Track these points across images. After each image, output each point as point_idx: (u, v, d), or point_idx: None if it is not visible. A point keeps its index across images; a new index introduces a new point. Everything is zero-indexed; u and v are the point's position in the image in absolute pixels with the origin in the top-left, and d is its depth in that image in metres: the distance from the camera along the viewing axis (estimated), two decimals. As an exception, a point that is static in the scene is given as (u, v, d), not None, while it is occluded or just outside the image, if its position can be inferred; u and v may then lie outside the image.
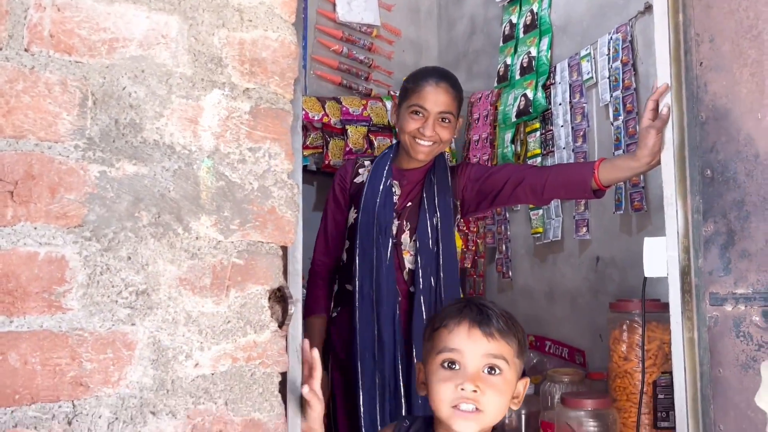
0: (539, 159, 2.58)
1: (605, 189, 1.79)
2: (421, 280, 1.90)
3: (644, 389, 1.88)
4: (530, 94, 2.57)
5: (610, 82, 2.27)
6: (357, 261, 1.93)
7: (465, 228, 2.96)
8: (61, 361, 0.85)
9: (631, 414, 1.92)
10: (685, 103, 1.58)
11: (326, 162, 2.86)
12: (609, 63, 2.27)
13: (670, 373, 1.83)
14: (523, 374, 1.26)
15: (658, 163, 1.68)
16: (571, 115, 2.45)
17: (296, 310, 1.05)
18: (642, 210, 2.15)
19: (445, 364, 1.16)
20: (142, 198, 0.92)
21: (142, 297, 0.91)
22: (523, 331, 1.27)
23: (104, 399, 0.87)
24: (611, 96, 2.26)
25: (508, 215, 2.85)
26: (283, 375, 1.03)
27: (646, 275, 1.71)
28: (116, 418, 0.88)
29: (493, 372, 1.16)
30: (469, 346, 1.16)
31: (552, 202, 2.57)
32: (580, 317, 2.46)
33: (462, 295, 2.29)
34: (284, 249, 1.05)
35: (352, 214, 2.03)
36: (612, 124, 2.26)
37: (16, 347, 0.82)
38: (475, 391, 1.12)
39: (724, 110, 1.50)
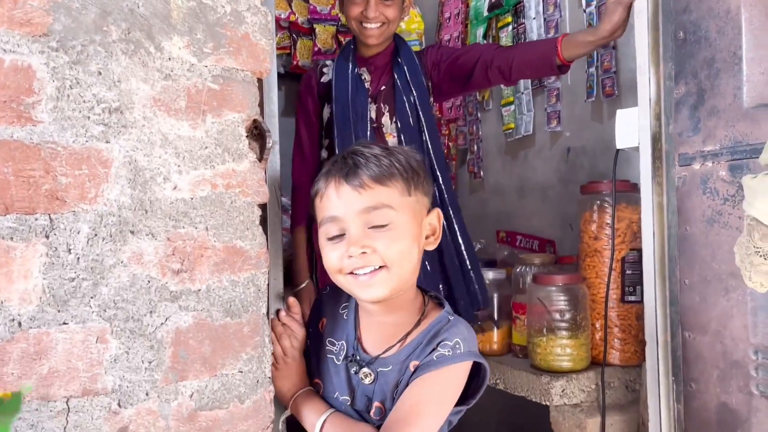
0: (511, 53, 2.56)
1: (569, 64, 1.79)
2: None
3: (613, 266, 1.93)
4: (501, -14, 2.53)
5: (582, -32, 2.24)
6: (338, 153, 1.92)
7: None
8: (35, 173, 0.83)
9: (599, 289, 1.98)
10: (658, -32, 1.57)
11: (294, 63, 2.79)
12: (582, -51, 2.23)
13: (638, 250, 1.89)
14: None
15: (620, 35, 1.69)
16: (543, 5, 2.42)
17: (274, 145, 1.04)
18: (613, 96, 2.17)
19: (330, 233, 1.02)
20: (110, 11, 0.88)
21: (115, 114, 0.88)
22: (413, 159, 1.07)
23: (82, 215, 0.86)
24: (582, -17, 2.24)
25: (480, 115, 2.84)
26: (264, 209, 1.03)
27: (618, 147, 1.73)
28: (95, 235, 0.87)
29: (378, 226, 1.00)
30: (342, 207, 1.01)
31: (524, 97, 2.57)
32: (551, 209, 2.50)
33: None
34: (260, 82, 1.03)
35: (326, 112, 2.00)
36: (584, 11, 2.25)
37: (-13, 154, 0.79)
38: (364, 252, 0.99)
39: (698, -29, 1.50)
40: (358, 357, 1.03)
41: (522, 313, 2.06)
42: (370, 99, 1.95)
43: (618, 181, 1.95)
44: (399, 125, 1.91)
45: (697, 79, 1.49)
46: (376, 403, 1.01)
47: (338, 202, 1.01)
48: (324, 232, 1.03)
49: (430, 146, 1.90)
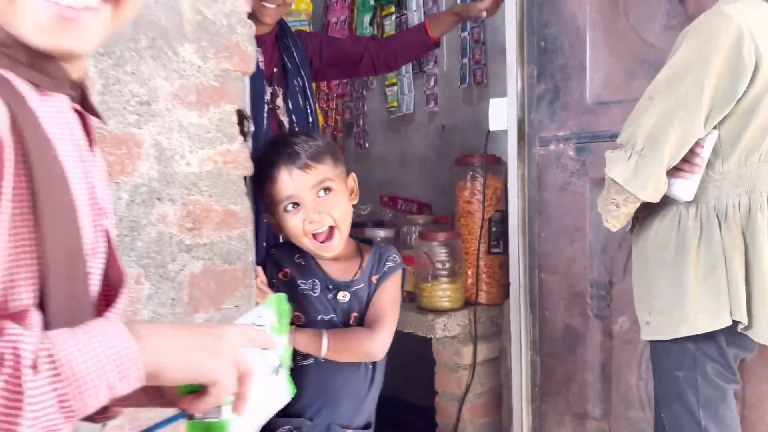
0: (394, 40, 2.92)
1: (438, 40, 2.20)
2: None
3: (482, 224, 2.38)
4: (388, -21, 2.87)
5: (457, -28, 2.63)
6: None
7: (324, 105, 3.26)
8: (89, 152, 1.05)
9: (472, 244, 2.42)
10: (525, -10, 1.99)
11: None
12: (457, -45, 2.62)
13: (501, 211, 2.36)
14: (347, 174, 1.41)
15: (488, 16, 2.10)
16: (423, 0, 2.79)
17: (252, 128, 1.32)
18: (483, 84, 2.60)
19: (287, 208, 1.32)
20: (140, 24, 1.11)
21: (145, 106, 1.12)
22: (328, 139, 1.45)
23: (122, 185, 1.10)
24: (458, -16, 2.63)
25: (365, 93, 3.18)
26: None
27: (490, 129, 2.16)
28: (132, 201, 1.11)
29: (325, 193, 1.32)
30: (294, 186, 1.30)
31: (405, 80, 2.95)
32: (427, 177, 2.92)
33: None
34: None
35: None
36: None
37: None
38: (321, 216, 1.31)
39: (555, -5, 1.93)
40: (331, 286, 1.37)
41: (410, 264, 2.46)
42: (265, 81, 2.17)
43: (487, 156, 2.40)
44: (291, 107, 2.12)
45: (554, 80, 1.94)
46: (353, 314, 1.37)
47: (291, 182, 1.31)
48: (282, 207, 1.33)
49: (316, 127, 2.19)
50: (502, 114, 2.11)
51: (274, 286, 1.41)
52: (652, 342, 1.33)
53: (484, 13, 2.08)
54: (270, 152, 1.34)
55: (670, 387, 1.29)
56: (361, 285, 1.39)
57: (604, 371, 1.88)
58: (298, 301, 1.40)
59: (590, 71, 1.87)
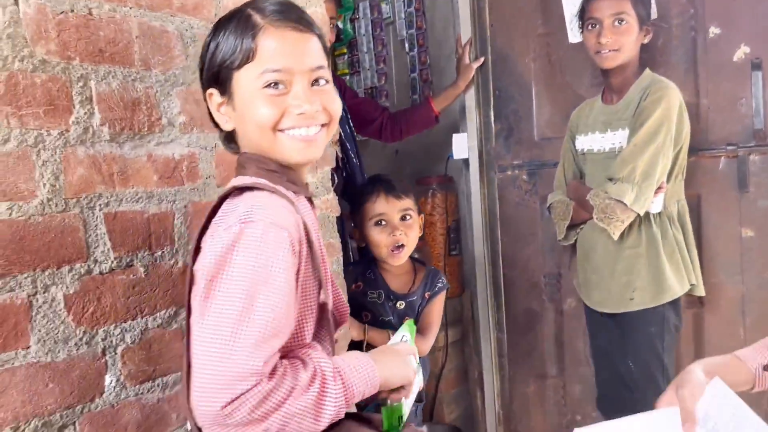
0: (348, 77, 3.39)
1: (439, 114, 2.65)
2: None
3: (443, 232, 2.94)
4: (341, 25, 3.33)
5: (405, 22, 3.16)
6: None
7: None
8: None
9: (435, 248, 2.97)
10: (480, 50, 2.56)
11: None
12: (404, 7, 3.15)
13: (456, 220, 2.93)
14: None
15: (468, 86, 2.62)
16: (374, 44, 3.29)
17: (336, 180, 1.77)
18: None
19: (377, 223, 1.88)
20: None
21: (284, 174, 1.54)
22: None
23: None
24: (407, 33, 3.16)
25: (317, 120, 3.61)
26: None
27: (455, 158, 2.72)
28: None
29: (405, 219, 1.89)
30: (389, 208, 1.87)
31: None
32: (382, 193, 3.43)
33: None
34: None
35: None
36: (408, 54, 3.18)
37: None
38: (401, 234, 1.87)
39: (505, 55, 2.52)
40: (392, 296, 1.86)
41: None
42: None
43: (440, 176, 2.96)
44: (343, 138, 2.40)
45: (508, 120, 2.53)
46: (406, 318, 1.86)
47: (386, 204, 1.90)
48: (374, 221, 1.90)
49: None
50: (463, 146, 2.67)
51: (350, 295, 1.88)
52: (627, 314, 1.94)
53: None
54: (374, 182, 1.87)
55: (643, 341, 1.92)
56: (415, 297, 1.90)
57: (557, 340, 2.50)
58: (366, 305, 1.88)
59: (536, 115, 2.47)
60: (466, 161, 2.73)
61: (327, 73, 1.08)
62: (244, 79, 1.03)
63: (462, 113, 2.66)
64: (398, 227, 1.85)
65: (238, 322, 0.87)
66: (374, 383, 1.02)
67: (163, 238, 1.28)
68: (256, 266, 0.90)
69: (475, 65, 2.53)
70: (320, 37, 1.09)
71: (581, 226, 2.07)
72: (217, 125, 1.12)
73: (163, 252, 1.29)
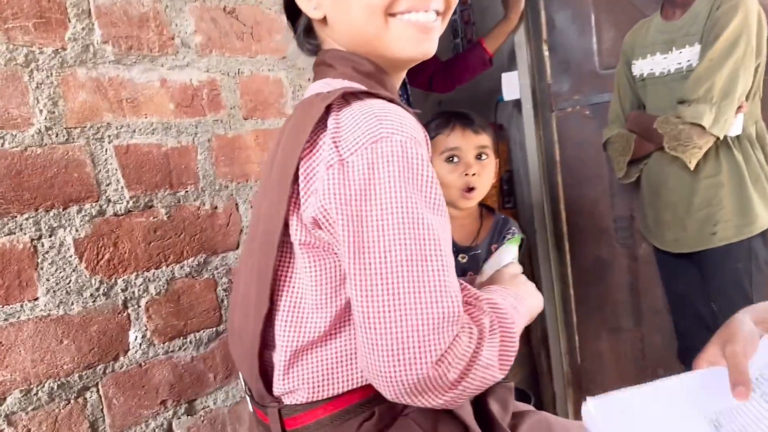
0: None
1: (492, 56, 2.41)
2: None
3: (495, 184, 2.73)
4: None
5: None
6: None
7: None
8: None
9: (489, 201, 2.76)
10: (529, -25, 2.32)
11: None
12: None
13: (509, 171, 2.71)
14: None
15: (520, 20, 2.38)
16: None
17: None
18: (478, 59, 2.92)
19: (449, 159, 1.59)
20: (310, 38, 1.35)
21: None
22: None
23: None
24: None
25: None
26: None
27: (505, 99, 2.49)
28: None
29: (481, 158, 1.55)
30: (465, 142, 1.54)
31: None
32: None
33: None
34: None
35: None
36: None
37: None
38: (474, 174, 1.52)
39: (558, -21, 2.27)
40: (454, 248, 1.67)
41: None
42: None
43: (489, 124, 2.74)
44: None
45: (565, 51, 2.29)
46: (469, 273, 1.66)
47: (462, 138, 1.56)
48: (445, 157, 1.57)
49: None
50: (514, 85, 2.44)
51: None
52: (708, 252, 1.71)
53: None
54: (446, 114, 1.62)
55: (729, 279, 1.68)
56: (479, 251, 1.69)
57: (632, 289, 2.27)
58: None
59: (597, 42, 2.22)
60: (517, 103, 2.50)
61: None
62: None
63: (510, 50, 2.43)
64: (472, 165, 1.58)
65: (418, 260, 0.67)
66: (528, 318, 0.87)
67: (185, 175, 1.13)
68: (410, 189, 0.69)
69: None
70: None
71: (645, 162, 1.83)
72: (293, 15, 0.89)
73: (186, 192, 1.13)
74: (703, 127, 1.59)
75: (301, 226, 0.75)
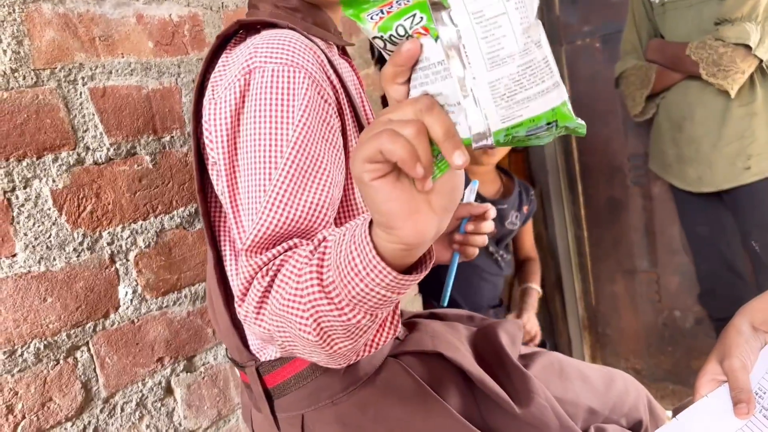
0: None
1: None
2: None
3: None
4: None
5: None
6: None
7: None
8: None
9: (498, 144, 2.68)
10: None
11: None
12: None
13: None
14: None
15: None
16: None
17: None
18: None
19: None
20: None
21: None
22: None
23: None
24: None
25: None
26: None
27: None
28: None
29: None
30: None
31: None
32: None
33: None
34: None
35: None
36: None
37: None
38: None
39: None
40: (481, 199, 1.64)
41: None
42: None
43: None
44: None
45: (573, -20, 2.16)
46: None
47: None
48: None
49: None
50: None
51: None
52: (741, 188, 1.62)
53: None
54: None
55: None
56: (506, 206, 1.68)
57: (648, 229, 2.20)
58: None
59: (609, -30, 2.09)
60: (526, 37, 2.38)
61: None
62: None
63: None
64: None
65: (267, 180, 0.66)
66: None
67: (170, 119, 1.05)
68: (276, 119, 0.67)
69: None
70: None
71: (662, 95, 1.73)
72: None
73: (172, 137, 1.06)
74: (748, 48, 1.48)
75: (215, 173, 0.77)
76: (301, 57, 0.69)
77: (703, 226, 1.80)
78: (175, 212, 1.05)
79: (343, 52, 0.89)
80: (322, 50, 0.75)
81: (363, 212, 0.77)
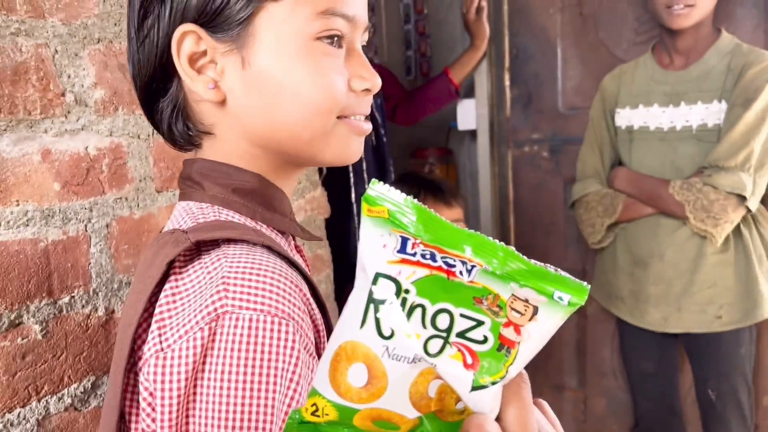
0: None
1: (459, 87, 2.16)
2: None
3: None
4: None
5: (398, -37, 2.67)
6: None
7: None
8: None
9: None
10: (494, 0, 2.10)
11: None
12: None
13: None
14: None
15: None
16: None
17: (324, 172, 1.34)
18: (429, 76, 2.70)
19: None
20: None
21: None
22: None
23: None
24: (400, -23, 2.68)
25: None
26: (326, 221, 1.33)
27: (460, 128, 2.29)
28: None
29: None
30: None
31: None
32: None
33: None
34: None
35: None
36: (401, 3, 2.71)
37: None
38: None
39: (525, 5, 2.07)
40: None
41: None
42: None
43: (439, 148, 2.55)
44: (380, 121, 1.98)
45: (527, 85, 2.10)
46: None
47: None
48: None
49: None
50: (471, 114, 2.24)
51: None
52: (708, 335, 1.56)
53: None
54: (415, 182, 1.49)
55: (733, 363, 1.56)
56: None
57: (579, 348, 2.14)
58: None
59: (562, 79, 2.04)
60: (472, 133, 2.30)
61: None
62: (283, 20, 0.59)
63: (469, 76, 2.22)
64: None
65: None
66: None
67: (72, 276, 0.85)
68: (251, 397, 0.51)
69: (483, 16, 2.04)
70: None
71: (622, 226, 1.67)
72: (159, 79, 0.63)
73: (72, 297, 0.86)
74: (741, 199, 1.43)
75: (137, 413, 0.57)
76: (287, 301, 0.52)
77: (650, 362, 1.74)
78: (65, 390, 0.85)
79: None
80: (292, 263, 0.59)
81: None
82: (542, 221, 2.14)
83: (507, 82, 2.14)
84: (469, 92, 2.25)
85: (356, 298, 0.38)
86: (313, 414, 0.38)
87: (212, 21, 0.59)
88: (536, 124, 2.11)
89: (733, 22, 1.73)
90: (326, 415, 0.38)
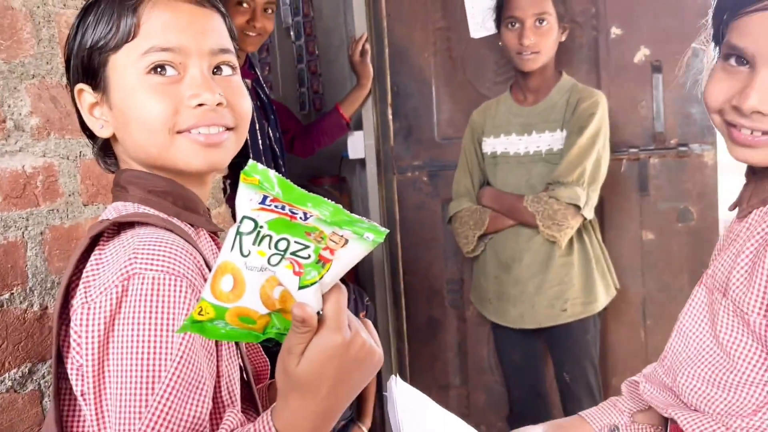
0: (227, 66, 3.09)
1: (349, 120, 2.42)
2: None
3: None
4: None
5: (291, 8, 2.92)
6: None
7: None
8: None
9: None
10: (376, 44, 2.38)
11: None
12: (289, -7, 2.90)
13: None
14: None
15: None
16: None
17: (228, 190, 1.53)
18: (321, 111, 2.94)
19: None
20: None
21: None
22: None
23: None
24: (292, 20, 2.92)
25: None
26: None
27: (350, 157, 2.53)
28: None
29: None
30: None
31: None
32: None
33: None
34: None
35: None
36: (294, 44, 2.94)
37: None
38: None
39: (404, 48, 2.36)
40: None
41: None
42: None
43: (333, 176, 2.78)
44: (278, 137, 2.17)
45: (407, 119, 2.38)
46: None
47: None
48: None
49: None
50: (359, 145, 2.49)
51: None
52: (558, 326, 1.85)
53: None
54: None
55: (581, 349, 1.86)
56: None
57: (460, 349, 2.40)
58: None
59: (436, 113, 2.34)
60: (362, 161, 2.55)
61: (234, 59, 0.84)
62: (122, 64, 0.78)
63: (358, 111, 2.48)
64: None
65: (144, 418, 0.66)
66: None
67: (12, 276, 1.00)
68: (154, 335, 0.68)
69: (366, 59, 2.32)
70: (225, 16, 0.85)
71: (491, 237, 1.96)
72: (90, 135, 0.85)
73: (11, 294, 1.00)
74: (577, 208, 1.73)
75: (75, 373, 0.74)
76: (182, 265, 0.72)
77: (519, 357, 2.02)
78: (6, 375, 0.98)
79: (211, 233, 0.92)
80: (193, 245, 0.78)
81: (230, 407, 0.79)
82: (425, 237, 2.40)
83: (390, 116, 2.41)
84: (358, 125, 2.51)
85: (230, 233, 0.59)
86: (199, 314, 0.58)
87: (88, 78, 0.81)
88: (416, 152, 2.38)
89: (571, 67, 2.09)
90: (208, 314, 0.58)
